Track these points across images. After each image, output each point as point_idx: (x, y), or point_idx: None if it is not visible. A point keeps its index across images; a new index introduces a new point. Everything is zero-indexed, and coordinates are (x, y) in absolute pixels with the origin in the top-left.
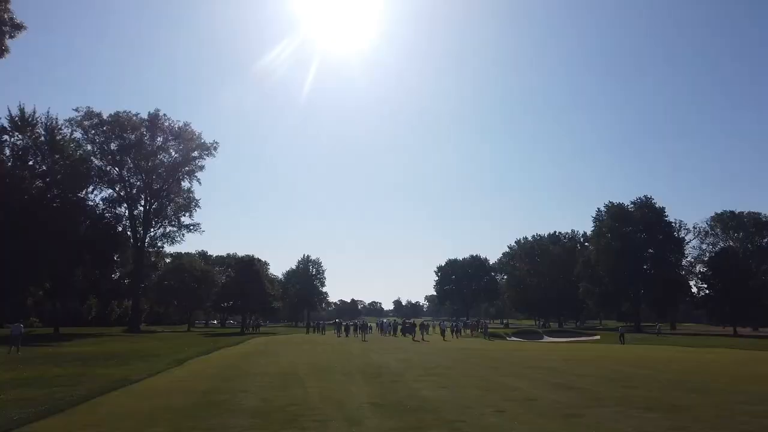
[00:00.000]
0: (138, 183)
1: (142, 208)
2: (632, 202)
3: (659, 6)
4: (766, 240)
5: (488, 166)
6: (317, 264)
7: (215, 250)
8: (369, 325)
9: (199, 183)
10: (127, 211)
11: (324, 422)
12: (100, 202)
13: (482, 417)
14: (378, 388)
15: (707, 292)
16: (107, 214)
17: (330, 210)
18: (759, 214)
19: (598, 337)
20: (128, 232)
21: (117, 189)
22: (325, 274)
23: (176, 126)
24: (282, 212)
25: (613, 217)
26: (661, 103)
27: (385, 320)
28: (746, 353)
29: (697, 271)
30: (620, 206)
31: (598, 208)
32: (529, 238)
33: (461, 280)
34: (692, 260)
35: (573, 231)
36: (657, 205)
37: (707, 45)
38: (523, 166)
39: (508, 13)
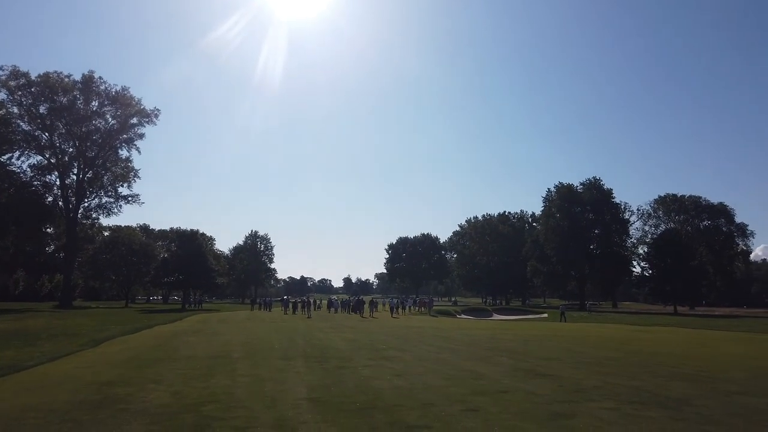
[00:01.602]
0: (70, 150)
1: (75, 177)
2: (581, 183)
3: None
4: (704, 223)
5: (441, 145)
6: (265, 240)
7: (159, 224)
8: (318, 302)
9: (139, 152)
10: (58, 180)
11: (244, 430)
12: (28, 169)
13: (451, 420)
14: (321, 377)
15: (651, 271)
16: (35, 182)
17: (280, 187)
18: (699, 197)
19: (545, 315)
20: (59, 202)
21: (47, 156)
22: (274, 251)
23: (113, 90)
24: (231, 189)
25: (562, 198)
26: (613, 87)
27: (334, 297)
28: (700, 332)
29: (640, 252)
30: (569, 187)
31: (548, 189)
32: (480, 218)
33: (412, 258)
34: (635, 241)
35: (522, 211)
36: (605, 187)
37: (654, 27)
38: (475, 146)
39: None
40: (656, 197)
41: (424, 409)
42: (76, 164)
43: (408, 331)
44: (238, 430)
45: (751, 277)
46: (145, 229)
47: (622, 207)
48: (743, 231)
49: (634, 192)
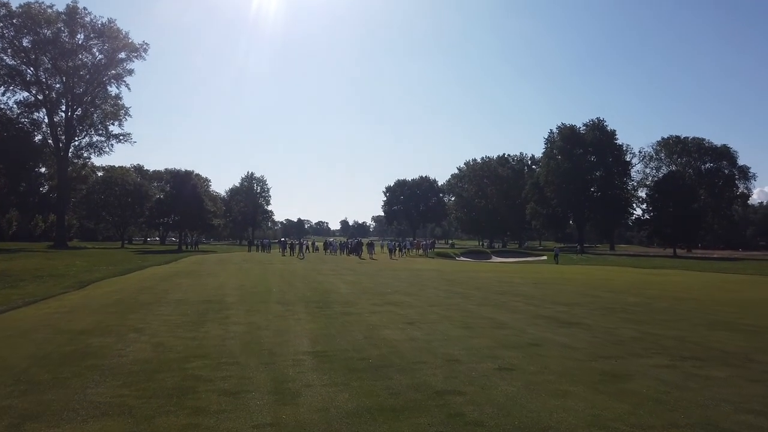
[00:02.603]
0: (57, 86)
1: (63, 115)
2: (584, 124)
3: None
4: (706, 165)
5: (439, 86)
6: (262, 182)
7: (154, 165)
8: (317, 244)
9: (128, 89)
10: (46, 117)
11: (236, 396)
12: (14, 106)
13: (486, 382)
14: (324, 326)
15: (652, 214)
16: (23, 120)
17: (277, 128)
18: (703, 139)
19: (545, 257)
20: (49, 141)
21: (33, 92)
22: (270, 192)
23: (99, 22)
24: (227, 131)
25: (564, 139)
26: (617, 27)
27: (331, 239)
28: (711, 276)
29: (639, 195)
30: (572, 128)
31: (550, 130)
32: (478, 160)
33: (409, 201)
34: (635, 183)
35: (521, 154)
36: (608, 128)
37: None
38: (474, 87)
39: None
40: (659, 139)
41: (450, 367)
42: (64, 101)
43: (410, 273)
44: (228, 395)
45: (747, 220)
46: (139, 169)
47: (624, 149)
48: (745, 173)
49: (637, 135)
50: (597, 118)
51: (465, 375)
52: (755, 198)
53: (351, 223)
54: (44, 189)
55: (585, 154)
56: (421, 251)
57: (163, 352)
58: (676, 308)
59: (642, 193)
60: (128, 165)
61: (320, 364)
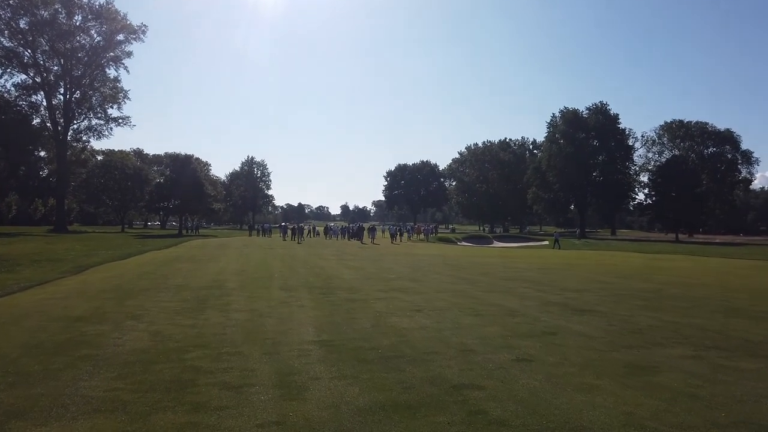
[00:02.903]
0: (55, 68)
1: (62, 98)
2: (587, 108)
3: None
4: (709, 150)
5: (440, 71)
6: (262, 166)
7: (154, 150)
8: (317, 229)
9: (127, 71)
10: (44, 100)
11: (238, 390)
12: (12, 89)
13: (505, 376)
14: (329, 313)
15: (654, 198)
16: (21, 102)
17: (278, 112)
18: (706, 124)
19: (546, 242)
20: (48, 124)
21: (31, 74)
22: (271, 177)
23: (96, 4)
24: (227, 115)
25: (567, 123)
26: (620, 11)
27: (332, 224)
28: (717, 261)
29: (641, 180)
30: (575, 112)
31: (553, 113)
32: (480, 145)
33: (410, 186)
34: (637, 168)
35: (523, 138)
36: (611, 112)
37: None
38: (476, 72)
39: None
40: (662, 123)
41: (464, 358)
42: (62, 84)
43: (414, 258)
44: (230, 389)
45: (748, 205)
46: (138, 153)
47: (627, 133)
48: (748, 158)
49: (640, 120)
50: (600, 101)
51: (482, 367)
52: (757, 183)
53: (351, 207)
54: (44, 173)
55: (588, 138)
56: (422, 236)
57: (162, 341)
58: (688, 295)
59: (644, 178)
60: (128, 149)
61: (327, 354)
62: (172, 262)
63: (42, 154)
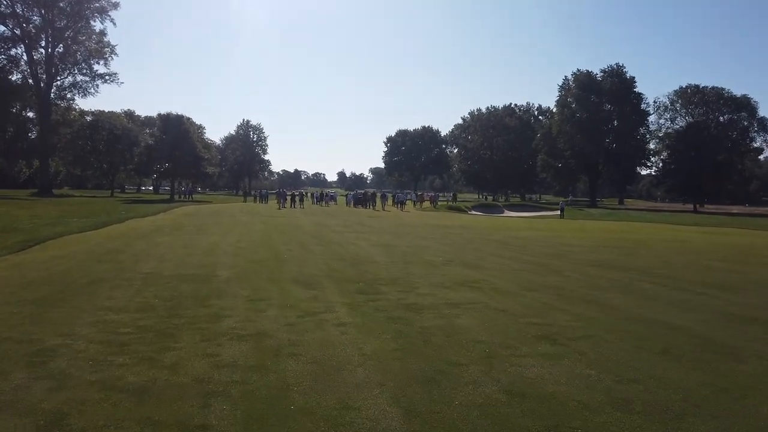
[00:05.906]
0: (36, 18)
1: (44, 52)
2: (602, 71)
3: None
4: (724, 116)
5: (442, 32)
6: (258, 130)
7: (146, 112)
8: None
9: (114, 24)
10: (24, 54)
11: None
12: None
13: None
14: (398, 347)
15: (672, 166)
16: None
17: (274, 76)
18: (723, 89)
19: (558, 212)
20: (29, 80)
21: (10, 26)
22: (267, 141)
23: None
24: (222, 76)
25: (580, 86)
26: None
27: (330, 191)
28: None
29: (652, 147)
30: (588, 74)
31: (565, 76)
32: (483, 110)
33: (411, 152)
34: (649, 135)
35: (528, 103)
36: (628, 75)
37: None
38: (479, 33)
39: None
40: (676, 89)
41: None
42: (43, 36)
43: (440, 231)
44: None
45: (752, 174)
46: (130, 115)
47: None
48: (764, 125)
49: (649, 87)
50: (616, 63)
51: None
52: (765, 153)
53: (348, 174)
54: (33, 135)
55: (601, 102)
56: (427, 204)
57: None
58: (728, 268)
59: (654, 145)
60: (118, 110)
61: None
62: (151, 235)
63: (30, 114)
